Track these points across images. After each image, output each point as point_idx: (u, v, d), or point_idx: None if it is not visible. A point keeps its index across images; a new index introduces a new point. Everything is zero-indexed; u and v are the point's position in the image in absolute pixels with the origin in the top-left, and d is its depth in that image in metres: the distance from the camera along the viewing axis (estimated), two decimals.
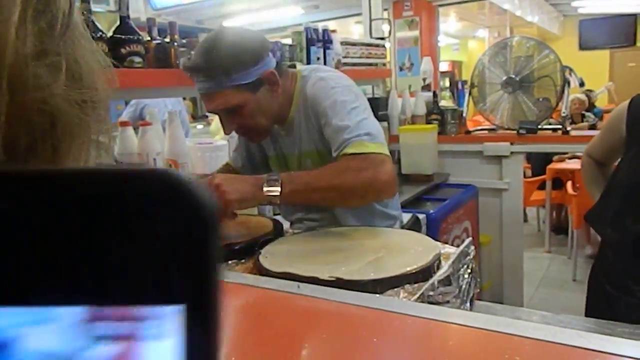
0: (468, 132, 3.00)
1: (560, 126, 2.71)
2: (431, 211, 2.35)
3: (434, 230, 2.33)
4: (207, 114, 6.03)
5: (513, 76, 2.88)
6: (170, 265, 0.15)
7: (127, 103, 3.87)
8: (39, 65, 0.21)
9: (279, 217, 1.54)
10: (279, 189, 1.08)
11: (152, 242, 0.15)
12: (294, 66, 1.41)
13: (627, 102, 1.50)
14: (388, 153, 1.20)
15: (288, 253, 1.01)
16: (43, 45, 0.22)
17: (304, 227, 1.39)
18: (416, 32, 4.44)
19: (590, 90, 6.17)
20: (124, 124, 1.79)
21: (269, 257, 0.99)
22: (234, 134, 2.10)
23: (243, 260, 1.06)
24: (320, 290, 0.78)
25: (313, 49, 2.34)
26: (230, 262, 1.06)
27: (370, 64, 2.84)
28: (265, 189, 1.08)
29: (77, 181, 0.16)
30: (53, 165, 0.24)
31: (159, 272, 0.15)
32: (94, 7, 1.45)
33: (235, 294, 0.82)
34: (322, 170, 1.16)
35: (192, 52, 1.31)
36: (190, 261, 0.15)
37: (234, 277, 0.88)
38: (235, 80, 1.19)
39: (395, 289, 0.84)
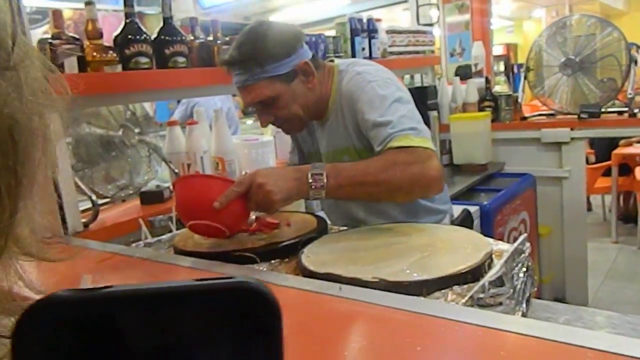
0: (524, 118, 2.86)
1: (626, 108, 2.52)
2: (485, 202, 2.25)
3: (488, 223, 2.24)
4: None
5: (572, 57, 2.71)
6: None
7: (178, 102, 3.97)
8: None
9: (322, 214, 1.52)
10: (323, 182, 1.05)
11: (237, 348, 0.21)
12: (332, 61, 1.38)
13: None
14: (434, 148, 1.16)
15: (331, 252, 0.99)
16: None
17: (350, 224, 1.35)
18: (467, 16, 4.26)
19: None
20: (171, 123, 1.82)
21: (311, 256, 0.97)
22: (280, 130, 2.10)
23: (287, 260, 1.04)
24: (363, 293, 0.75)
25: (357, 39, 2.29)
26: (273, 261, 1.04)
27: (417, 52, 2.76)
28: (310, 182, 1.05)
29: (173, 300, 0.21)
30: (15, 172, 0.26)
31: None
32: (146, 10, 1.47)
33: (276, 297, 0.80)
34: (368, 163, 1.12)
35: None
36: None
37: (275, 278, 0.87)
38: (269, 71, 1.19)
39: (443, 291, 0.80)
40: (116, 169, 1.61)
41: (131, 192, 1.67)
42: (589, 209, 4.18)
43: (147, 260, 1.04)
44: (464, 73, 3.19)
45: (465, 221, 1.46)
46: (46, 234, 1.09)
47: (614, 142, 3.95)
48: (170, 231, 1.32)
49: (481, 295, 0.76)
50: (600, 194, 4.39)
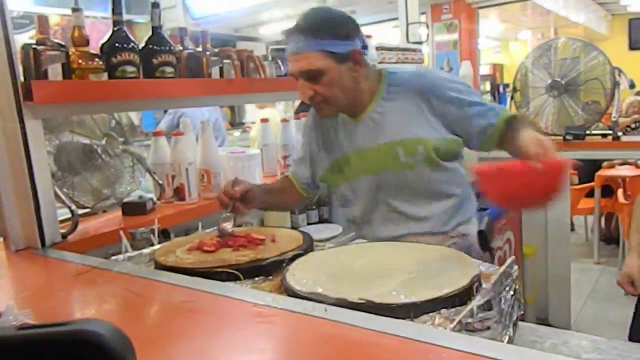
0: None
1: (610, 131, 2.56)
2: None
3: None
4: (245, 121, 6.09)
5: (558, 79, 2.74)
6: None
7: (165, 111, 3.93)
8: None
9: (309, 229, 1.49)
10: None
11: None
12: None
13: None
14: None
15: (316, 271, 0.96)
16: None
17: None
18: (455, 35, 4.33)
19: None
20: (157, 133, 1.79)
21: (296, 275, 0.95)
22: (268, 141, 2.09)
23: (270, 277, 1.02)
24: (349, 315, 0.73)
25: None
26: (257, 278, 1.01)
27: None
28: None
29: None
30: None
31: None
32: (135, 18, 1.45)
33: (257, 316, 0.78)
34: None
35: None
36: None
37: (256, 296, 0.84)
38: (325, 45, 1.25)
39: (430, 314, 0.78)
40: (98, 178, 1.58)
41: (113, 202, 1.63)
42: (572, 229, 4.22)
43: (126, 275, 1.01)
44: None
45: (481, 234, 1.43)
46: (20, 245, 1.05)
47: (596, 164, 4.00)
48: (152, 244, 1.29)
49: (469, 320, 0.74)
50: (583, 215, 4.44)
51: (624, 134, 2.64)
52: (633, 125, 3.86)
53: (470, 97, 1.33)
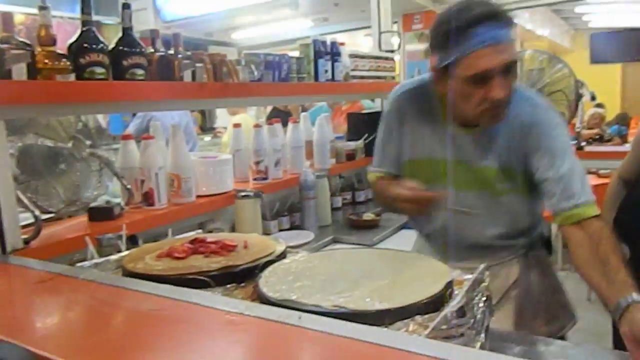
0: None
1: (574, 141, 2.64)
2: None
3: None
4: (216, 126, 6.03)
5: None
6: None
7: (134, 114, 3.85)
8: None
9: (281, 235, 1.48)
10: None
11: None
12: None
13: None
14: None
15: (290, 278, 0.95)
16: None
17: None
18: (426, 45, 4.39)
19: (601, 105, 6.08)
20: (126, 137, 1.75)
21: (269, 281, 0.93)
22: (240, 147, 2.06)
23: (243, 284, 1.00)
24: (323, 323, 0.72)
25: (321, 61, 2.30)
26: (229, 285, 0.99)
27: (379, 77, 2.80)
28: None
29: None
30: None
31: None
32: (104, 19, 1.42)
33: (229, 324, 0.76)
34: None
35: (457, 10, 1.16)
36: None
37: (229, 304, 0.82)
38: (512, 37, 1.15)
39: (405, 321, 0.78)
40: (64, 182, 1.52)
41: (79, 207, 1.58)
42: None
43: (92, 282, 0.98)
44: None
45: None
46: None
47: None
48: (120, 251, 1.25)
49: (443, 327, 0.75)
50: (547, 223, 4.54)
51: (587, 144, 2.73)
52: (597, 137, 4.00)
53: (563, 163, 1.20)
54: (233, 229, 1.90)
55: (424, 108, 1.37)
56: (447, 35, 1.15)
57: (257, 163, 2.12)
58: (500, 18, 1.13)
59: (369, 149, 2.83)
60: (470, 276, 0.95)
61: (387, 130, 1.46)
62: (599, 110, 4.58)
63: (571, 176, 1.19)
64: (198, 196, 1.83)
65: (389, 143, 1.46)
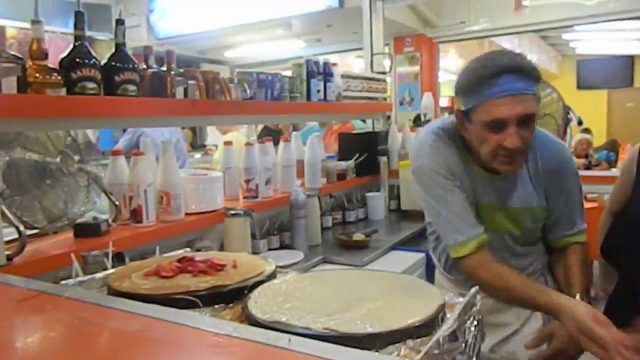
0: None
1: None
2: None
3: (433, 269, 2.25)
4: (206, 144, 6.02)
5: None
6: None
7: (124, 130, 3.83)
8: None
9: (270, 254, 1.46)
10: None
11: None
12: None
13: (637, 145, 1.47)
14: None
15: (280, 299, 0.94)
16: None
17: None
18: (416, 68, 4.45)
19: (588, 130, 6.17)
20: (115, 152, 1.73)
21: (258, 302, 0.91)
22: (231, 164, 2.06)
23: (231, 305, 0.98)
24: (314, 347, 0.71)
25: (313, 81, 2.32)
26: (217, 306, 0.97)
27: (370, 98, 2.82)
28: None
29: None
30: None
31: None
32: (96, 35, 1.41)
33: (217, 347, 0.74)
34: (579, 272, 1.38)
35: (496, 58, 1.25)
36: None
37: (216, 325, 0.80)
38: (535, 89, 1.23)
39: (396, 345, 0.77)
40: (50, 198, 1.50)
41: (65, 223, 1.55)
42: None
43: (76, 300, 0.95)
44: (420, 122, 3.29)
45: None
46: None
47: None
48: (105, 268, 1.22)
49: (436, 352, 0.73)
50: None
51: None
52: (586, 163, 4.03)
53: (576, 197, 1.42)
54: (222, 248, 1.88)
55: (458, 153, 1.40)
56: (471, 81, 1.24)
57: (248, 181, 2.11)
58: (522, 70, 1.20)
59: (359, 169, 2.84)
60: (461, 299, 0.94)
61: (452, 184, 1.38)
62: (586, 136, 4.64)
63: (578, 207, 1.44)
64: (187, 214, 1.81)
65: (462, 195, 1.38)
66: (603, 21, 3.48)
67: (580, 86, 9.36)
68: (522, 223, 1.41)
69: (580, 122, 2.93)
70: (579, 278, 1.36)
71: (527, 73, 1.20)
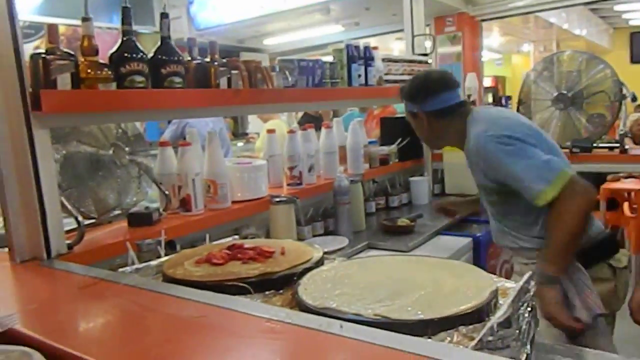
0: None
1: (617, 144, 2.54)
2: (478, 234, 2.23)
3: (481, 254, 2.21)
4: (248, 132, 6.10)
5: (565, 92, 2.74)
6: None
7: (169, 121, 3.93)
8: None
9: (315, 241, 1.47)
10: (550, 275, 1.44)
11: None
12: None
13: None
14: (566, 172, 1.46)
15: (329, 285, 0.94)
16: None
17: None
18: (459, 48, 4.32)
19: None
20: (163, 144, 1.78)
21: (308, 289, 0.93)
22: (274, 152, 2.08)
23: (281, 291, 1.00)
24: (365, 332, 0.71)
25: (354, 66, 2.29)
26: (267, 292, 0.99)
27: None
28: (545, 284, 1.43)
29: None
30: None
31: None
32: (139, 29, 1.44)
33: (270, 332, 0.76)
34: (550, 233, 1.48)
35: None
36: None
37: (269, 311, 0.82)
38: (406, 105, 1.85)
39: (449, 331, 0.76)
40: (104, 188, 1.56)
41: (119, 213, 1.61)
42: None
43: (134, 287, 0.99)
44: None
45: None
46: (26, 256, 1.03)
47: (602, 177, 3.98)
48: (159, 256, 1.27)
49: (490, 338, 0.72)
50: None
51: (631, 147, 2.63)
52: None
53: (513, 165, 1.50)
54: (268, 234, 1.91)
55: None
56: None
57: (291, 168, 2.12)
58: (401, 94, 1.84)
59: (402, 154, 2.80)
60: (514, 285, 0.92)
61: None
62: None
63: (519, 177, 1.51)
64: (233, 202, 1.84)
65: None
66: None
67: (635, 60, 8.86)
68: (482, 196, 1.75)
69: (634, 98, 2.77)
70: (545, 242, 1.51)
71: (400, 93, 1.85)
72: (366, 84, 2.35)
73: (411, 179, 2.75)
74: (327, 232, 2.16)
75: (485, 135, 1.55)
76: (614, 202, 4.03)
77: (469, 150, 1.65)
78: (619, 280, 1.62)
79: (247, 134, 6.05)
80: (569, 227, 1.43)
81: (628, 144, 2.58)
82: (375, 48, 2.47)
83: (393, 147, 2.76)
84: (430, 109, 1.72)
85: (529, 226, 1.61)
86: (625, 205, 3.75)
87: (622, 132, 2.53)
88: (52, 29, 1.26)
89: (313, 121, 3.50)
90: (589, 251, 1.55)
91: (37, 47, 3.59)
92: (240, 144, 5.60)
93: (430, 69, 2.56)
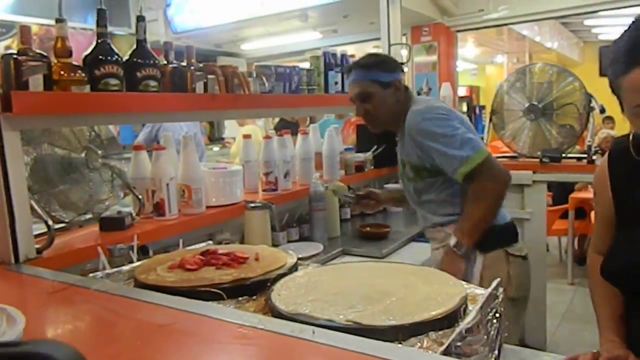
0: None
1: (585, 155, 2.62)
2: None
3: None
4: (224, 137, 6.07)
5: (536, 103, 2.81)
6: None
7: (144, 124, 3.88)
8: None
9: (290, 247, 1.48)
10: (465, 247, 1.62)
11: None
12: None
13: (605, 156, 1.19)
14: (484, 149, 1.63)
15: (302, 290, 0.95)
16: None
17: None
18: (434, 57, 4.40)
19: (611, 118, 6.04)
20: (137, 147, 1.76)
21: (282, 295, 0.93)
22: (250, 158, 2.07)
23: (255, 297, 1.00)
24: (337, 338, 0.72)
25: (331, 73, 2.31)
26: (241, 298, 0.99)
27: None
28: (458, 253, 1.62)
29: None
30: None
31: None
32: (115, 30, 1.43)
33: (242, 338, 0.76)
34: (468, 208, 1.64)
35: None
36: None
37: (242, 317, 0.82)
38: (374, 75, 1.75)
39: (419, 337, 0.77)
40: (76, 192, 1.53)
41: (90, 217, 1.58)
42: (546, 249, 4.28)
43: (105, 293, 0.98)
44: None
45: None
46: None
47: (570, 186, 4.09)
48: (131, 261, 1.25)
49: (458, 344, 0.74)
50: (557, 236, 4.52)
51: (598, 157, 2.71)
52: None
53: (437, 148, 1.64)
54: (242, 240, 1.90)
55: None
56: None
57: (267, 174, 2.12)
58: (359, 66, 1.79)
59: (377, 161, 2.83)
60: (483, 292, 0.94)
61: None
62: (611, 132, 4.51)
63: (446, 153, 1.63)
64: (208, 207, 1.83)
65: None
66: (628, 6, 3.39)
67: (603, 73, 9.13)
68: (407, 173, 1.82)
69: (602, 110, 2.87)
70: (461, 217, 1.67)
71: (361, 67, 1.78)
72: (343, 91, 2.38)
73: (386, 185, 2.77)
74: (302, 238, 2.17)
75: (422, 114, 1.68)
76: (582, 211, 4.15)
77: (406, 128, 1.73)
78: (513, 267, 1.72)
79: (223, 139, 6.01)
80: (488, 204, 1.61)
81: (598, 159, 2.66)
82: (352, 56, 2.49)
83: (369, 154, 2.78)
84: (400, 78, 1.79)
85: (442, 204, 1.75)
86: (593, 214, 3.86)
87: (589, 143, 2.61)
88: (24, 29, 1.24)
89: (289, 127, 3.51)
90: (492, 235, 1.67)
91: (8, 47, 3.51)
92: (215, 148, 5.57)
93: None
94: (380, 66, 1.76)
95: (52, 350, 0.18)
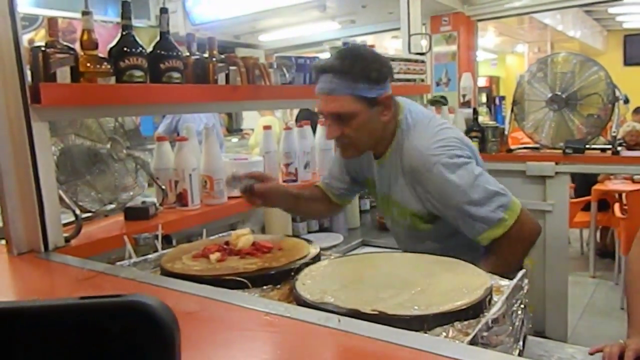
0: (509, 150, 2.89)
1: (609, 146, 2.57)
2: None
3: None
4: (242, 128, 6.09)
5: (559, 93, 2.76)
6: None
7: (164, 116, 3.92)
8: None
9: (310, 237, 1.49)
10: None
11: None
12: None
13: None
14: (514, 203, 1.26)
15: (327, 280, 0.96)
16: None
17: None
18: (454, 47, 4.35)
19: (637, 109, 5.90)
20: (161, 138, 1.78)
21: (306, 284, 0.94)
22: (270, 149, 2.08)
23: (279, 286, 1.01)
24: (363, 327, 0.72)
25: None
26: (265, 287, 1.01)
27: (409, 80, 2.78)
28: None
29: (60, 314, 0.23)
30: None
31: None
32: (135, 22, 1.44)
33: (269, 326, 0.77)
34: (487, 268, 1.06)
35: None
36: None
37: (268, 305, 0.83)
38: (359, 90, 1.23)
39: (444, 327, 0.78)
40: (102, 182, 1.56)
41: (115, 207, 1.61)
42: (568, 242, 4.23)
43: (133, 281, 1.00)
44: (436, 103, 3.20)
45: None
46: (23, 249, 1.04)
47: (593, 177, 4.02)
48: (156, 250, 1.28)
49: (484, 334, 0.74)
50: (579, 228, 4.45)
51: (623, 149, 2.66)
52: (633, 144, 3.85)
53: (458, 201, 1.23)
54: (263, 231, 1.92)
55: None
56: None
57: (287, 165, 2.13)
58: (340, 72, 1.23)
59: None
60: (508, 283, 0.94)
61: (344, 164, 1.57)
62: (637, 126, 4.40)
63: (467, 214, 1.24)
64: (229, 197, 1.85)
65: (344, 174, 1.59)
66: None
67: (628, 62, 8.92)
68: (395, 216, 1.41)
69: (626, 101, 2.80)
70: None
71: (341, 74, 1.22)
72: None
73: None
74: (322, 229, 2.18)
75: (430, 151, 1.26)
76: (605, 203, 4.08)
77: (405, 167, 1.30)
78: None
79: (241, 130, 6.04)
80: (511, 266, 1.16)
81: (622, 150, 2.61)
82: (372, 46, 2.48)
83: None
84: (390, 91, 1.30)
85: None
86: (616, 206, 3.79)
87: (614, 134, 2.56)
88: (52, 22, 1.26)
89: (311, 116, 3.51)
90: None
91: (31, 40, 3.57)
92: (234, 139, 5.60)
93: (355, 43, 1.96)
94: (367, 75, 1.22)
95: (146, 300, 0.24)
